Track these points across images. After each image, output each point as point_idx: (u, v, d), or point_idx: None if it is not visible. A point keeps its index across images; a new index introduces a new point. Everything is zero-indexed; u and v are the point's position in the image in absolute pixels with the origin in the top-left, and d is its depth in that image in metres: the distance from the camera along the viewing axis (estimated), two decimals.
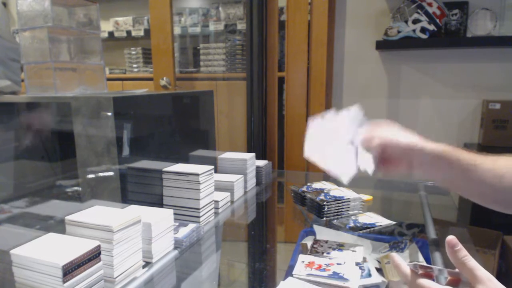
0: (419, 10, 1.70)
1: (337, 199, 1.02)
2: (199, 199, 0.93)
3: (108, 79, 1.26)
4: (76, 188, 0.98)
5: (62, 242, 0.62)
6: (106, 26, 3.25)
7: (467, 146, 1.80)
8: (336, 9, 1.98)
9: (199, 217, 0.93)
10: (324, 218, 1.00)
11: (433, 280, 0.51)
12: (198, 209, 0.93)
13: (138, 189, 0.93)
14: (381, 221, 0.98)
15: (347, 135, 0.75)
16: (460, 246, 0.50)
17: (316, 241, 0.82)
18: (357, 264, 0.70)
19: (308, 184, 1.20)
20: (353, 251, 0.77)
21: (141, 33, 3.17)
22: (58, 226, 0.77)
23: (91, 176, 0.88)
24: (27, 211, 0.98)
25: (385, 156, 0.72)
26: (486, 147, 1.70)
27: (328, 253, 0.76)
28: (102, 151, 0.85)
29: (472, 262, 0.49)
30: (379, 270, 0.71)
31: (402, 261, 0.55)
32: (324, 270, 0.67)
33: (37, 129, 1.04)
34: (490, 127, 1.69)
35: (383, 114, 1.96)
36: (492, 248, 1.44)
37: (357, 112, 0.77)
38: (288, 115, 1.96)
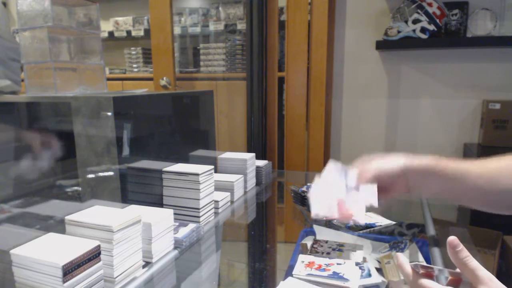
0: (419, 10, 1.70)
1: None
2: (199, 199, 0.93)
3: (108, 79, 1.26)
4: (76, 188, 0.98)
5: (62, 242, 0.62)
6: (106, 26, 3.25)
7: (467, 146, 1.80)
8: (336, 9, 1.98)
9: (199, 217, 0.93)
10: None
11: (434, 280, 0.51)
12: (198, 209, 0.93)
13: (138, 189, 0.93)
14: (381, 221, 0.98)
15: (342, 182, 0.76)
16: (461, 246, 0.50)
17: (316, 241, 0.82)
18: (357, 264, 0.70)
19: (308, 184, 1.19)
20: (353, 251, 0.77)
21: (141, 33, 3.17)
22: (58, 226, 0.77)
23: (91, 176, 0.88)
24: (27, 211, 0.98)
25: (382, 185, 0.73)
26: (486, 147, 1.70)
27: (328, 253, 0.76)
28: (102, 151, 0.85)
29: (473, 263, 0.49)
30: (379, 270, 0.71)
31: (406, 261, 0.55)
32: (324, 270, 0.67)
33: (37, 129, 1.04)
34: (490, 127, 1.69)
35: (383, 114, 1.95)
36: (492, 248, 1.44)
37: (336, 163, 0.79)
38: (288, 115, 1.96)
